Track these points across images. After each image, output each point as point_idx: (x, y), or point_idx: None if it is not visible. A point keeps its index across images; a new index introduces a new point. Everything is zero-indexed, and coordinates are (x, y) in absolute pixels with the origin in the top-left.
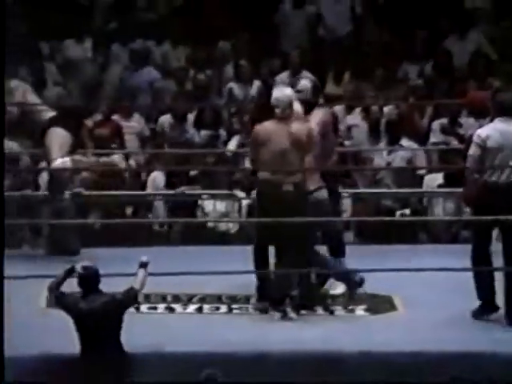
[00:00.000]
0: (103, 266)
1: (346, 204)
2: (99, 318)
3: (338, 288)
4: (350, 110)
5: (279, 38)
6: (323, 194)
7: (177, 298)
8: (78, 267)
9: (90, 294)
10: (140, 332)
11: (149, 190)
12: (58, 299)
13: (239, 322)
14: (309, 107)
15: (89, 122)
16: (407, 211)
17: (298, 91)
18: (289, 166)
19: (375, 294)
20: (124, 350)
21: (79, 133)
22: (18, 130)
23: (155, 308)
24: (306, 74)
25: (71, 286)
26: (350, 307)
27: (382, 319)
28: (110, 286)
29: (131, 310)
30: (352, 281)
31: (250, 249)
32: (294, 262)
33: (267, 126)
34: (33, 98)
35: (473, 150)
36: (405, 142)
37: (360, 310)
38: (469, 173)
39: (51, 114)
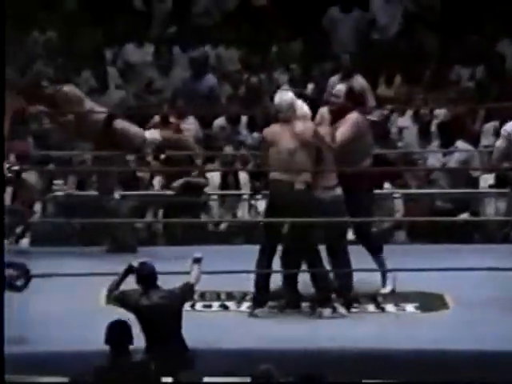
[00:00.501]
0: (160, 264)
1: (398, 204)
2: (160, 313)
3: (387, 287)
4: (401, 112)
5: (331, 41)
6: (335, 193)
7: (230, 296)
8: (136, 264)
9: (149, 290)
10: (195, 329)
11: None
12: (118, 298)
13: (291, 319)
14: (342, 111)
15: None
16: (465, 215)
17: (333, 96)
18: (297, 166)
19: (427, 291)
20: (186, 344)
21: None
22: (78, 133)
23: (210, 306)
24: (357, 76)
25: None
26: (401, 304)
27: (433, 317)
28: (167, 284)
29: (187, 307)
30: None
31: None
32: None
33: (273, 129)
34: (89, 103)
35: (499, 143)
36: (460, 144)
37: (411, 308)
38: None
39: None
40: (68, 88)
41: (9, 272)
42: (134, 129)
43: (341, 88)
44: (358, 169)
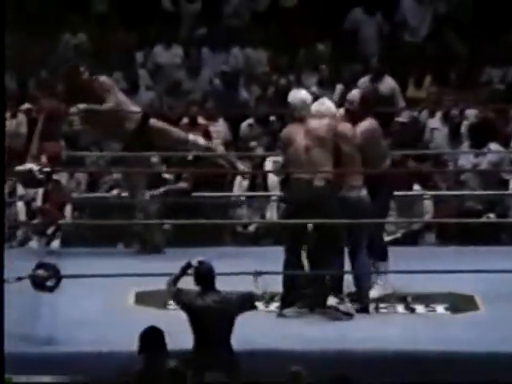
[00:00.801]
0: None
1: (428, 205)
2: (212, 317)
3: (375, 290)
4: (431, 113)
5: (359, 42)
6: (361, 193)
7: (259, 297)
8: (194, 262)
9: (207, 291)
10: None
11: (235, 192)
12: (175, 295)
13: (320, 319)
14: (357, 117)
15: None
16: (491, 215)
17: (348, 101)
18: (314, 163)
19: (457, 292)
20: (233, 351)
21: None
22: (111, 133)
23: None
24: (387, 78)
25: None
26: (431, 305)
27: (463, 318)
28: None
29: None
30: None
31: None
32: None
33: (289, 129)
34: (122, 96)
35: None
36: (493, 146)
37: (441, 309)
38: None
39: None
40: (104, 78)
41: (40, 273)
42: (173, 129)
43: (355, 93)
44: (381, 170)
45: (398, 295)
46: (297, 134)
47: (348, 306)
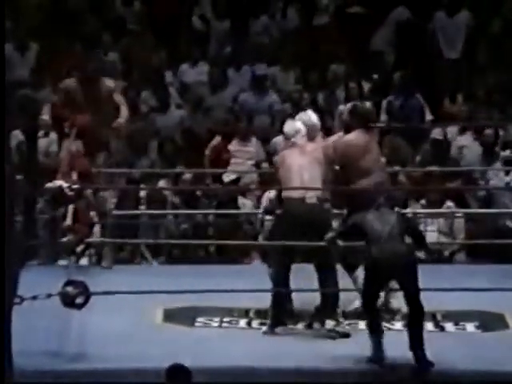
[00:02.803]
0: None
1: (459, 224)
2: None
3: (353, 304)
4: (462, 130)
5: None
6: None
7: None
8: None
9: None
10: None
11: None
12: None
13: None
14: (347, 130)
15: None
16: None
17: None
18: (306, 182)
19: (487, 310)
20: None
21: None
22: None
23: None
24: (417, 95)
25: None
26: (461, 323)
27: (494, 336)
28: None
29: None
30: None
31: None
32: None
33: (283, 153)
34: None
35: None
36: None
37: (471, 327)
38: None
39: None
40: (108, 80)
41: (69, 290)
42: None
43: (343, 108)
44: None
45: (427, 313)
46: (290, 155)
47: (344, 326)
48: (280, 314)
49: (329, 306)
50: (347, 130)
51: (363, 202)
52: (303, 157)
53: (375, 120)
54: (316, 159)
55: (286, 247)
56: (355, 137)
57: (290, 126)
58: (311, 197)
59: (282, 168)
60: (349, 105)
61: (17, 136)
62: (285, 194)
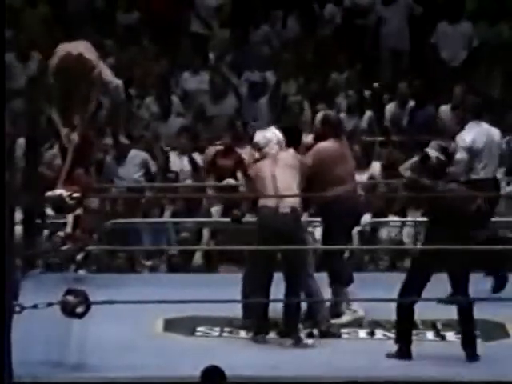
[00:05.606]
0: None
1: None
2: None
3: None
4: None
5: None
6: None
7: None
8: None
9: None
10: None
11: None
12: None
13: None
14: (319, 139)
15: (210, 152)
16: None
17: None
18: (280, 191)
19: (488, 319)
20: None
21: None
22: None
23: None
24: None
25: None
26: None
27: (494, 346)
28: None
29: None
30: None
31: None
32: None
33: (256, 164)
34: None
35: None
36: None
37: None
38: None
39: None
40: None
41: (69, 299)
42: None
43: (319, 116)
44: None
45: (425, 322)
46: (263, 165)
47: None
48: (263, 323)
49: (289, 316)
50: (318, 139)
51: (339, 210)
52: (276, 166)
53: (345, 130)
54: (290, 167)
55: (263, 256)
56: (330, 145)
57: (260, 135)
58: (285, 206)
59: (257, 179)
60: (320, 114)
61: (21, 145)
62: (260, 202)
